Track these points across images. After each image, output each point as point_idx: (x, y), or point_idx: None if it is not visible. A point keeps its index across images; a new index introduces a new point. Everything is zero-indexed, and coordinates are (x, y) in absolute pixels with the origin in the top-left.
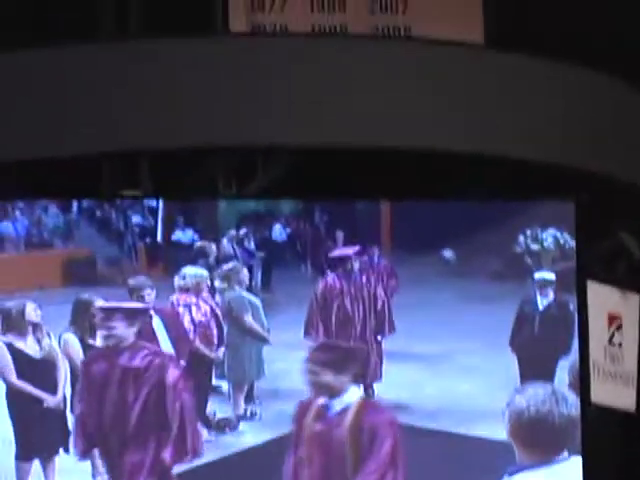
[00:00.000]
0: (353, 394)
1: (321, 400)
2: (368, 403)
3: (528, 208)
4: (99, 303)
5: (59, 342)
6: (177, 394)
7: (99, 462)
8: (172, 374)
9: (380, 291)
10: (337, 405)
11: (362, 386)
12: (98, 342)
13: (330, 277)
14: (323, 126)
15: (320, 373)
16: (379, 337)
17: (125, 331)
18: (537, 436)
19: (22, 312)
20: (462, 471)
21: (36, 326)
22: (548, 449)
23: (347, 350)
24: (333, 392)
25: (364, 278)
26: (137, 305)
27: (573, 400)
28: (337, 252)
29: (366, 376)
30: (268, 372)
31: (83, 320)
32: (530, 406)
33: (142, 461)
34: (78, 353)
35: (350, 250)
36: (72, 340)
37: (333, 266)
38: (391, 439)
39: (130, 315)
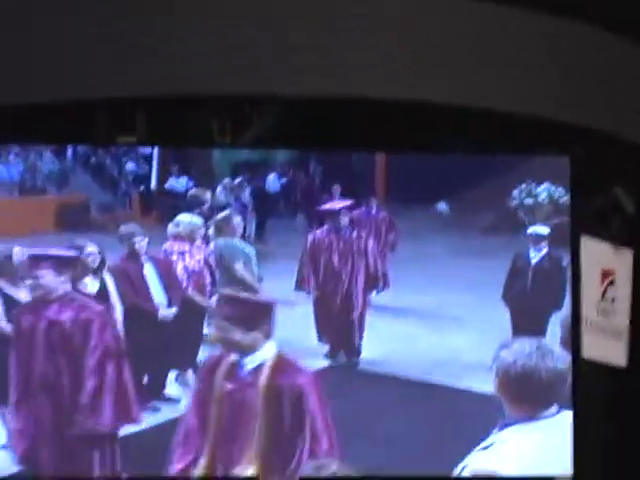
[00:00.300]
0: (268, 351)
1: (233, 357)
2: (284, 361)
3: (523, 162)
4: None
5: None
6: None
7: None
8: (96, 330)
9: (373, 246)
10: (249, 363)
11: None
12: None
13: (319, 231)
14: (319, 77)
15: (228, 329)
16: (374, 292)
17: (53, 281)
18: (524, 390)
19: (10, 257)
20: (453, 424)
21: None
22: (536, 403)
23: (255, 304)
24: (244, 349)
25: (355, 233)
26: (66, 253)
27: (560, 354)
28: (326, 206)
29: (350, 334)
30: None
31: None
32: (516, 361)
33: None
34: None
35: (339, 204)
36: None
37: (323, 220)
38: (315, 397)
39: (60, 264)
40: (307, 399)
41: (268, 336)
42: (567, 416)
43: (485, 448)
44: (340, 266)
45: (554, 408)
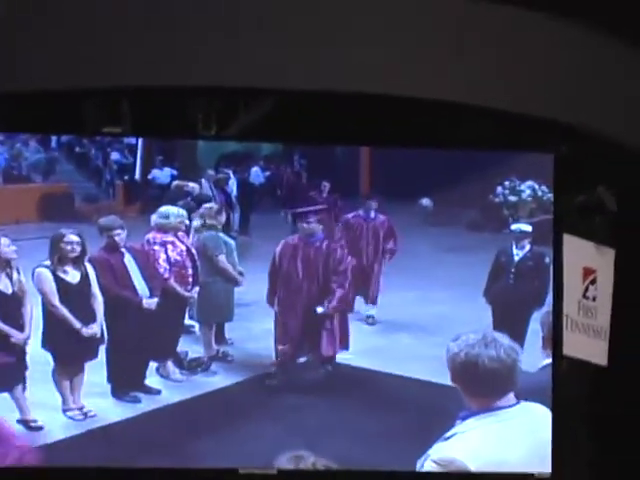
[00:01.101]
0: None
1: None
2: None
3: (507, 159)
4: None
5: (32, 276)
6: None
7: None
8: None
9: (349, 262)
10: None
11: None
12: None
13: (290, 238)
14: (305, 70)
15: None
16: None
17: None
18: (474, 381)
19: None
20: (422, 415)
21: (8, 262)
22: (488, 394)
23: None
24: None
25: (325, 243)
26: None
27: (506, 344)
28: (299, 209)
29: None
30: (240, 314)
31: (55, 254)
32: (461, 351)
33: None
34: (51, 288)
35: (312, 207)
36: (45, 274)
37: (298, 222)
38: None
39: None
40: None
41: None
42: (527, 407)
43: (447, 439)
44: (302, 280)
45: (512, 399)
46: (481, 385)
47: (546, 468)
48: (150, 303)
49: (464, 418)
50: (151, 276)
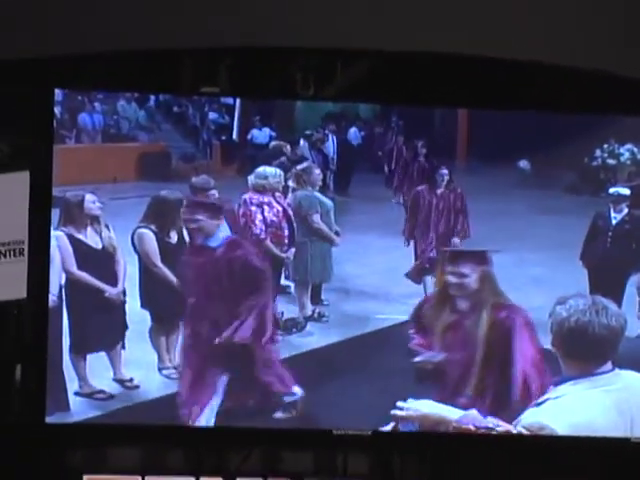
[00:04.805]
0: None
1: None
2: None
3: (606, 122)
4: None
5: (132, 237)
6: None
7: (166, 355)
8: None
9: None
10: None
11: None
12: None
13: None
14: (403, 31)
15: None
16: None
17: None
18: (577, 346)
19: (81, 204)
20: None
21: (94, 218)
22: (589, 360)
23: None
24: None
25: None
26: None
27: (615, 311)
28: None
29: None
30: (337, 274)
31: (161, 216)
32: (570, 316)
33: None
34: (154, 249)
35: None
36: (149, 236)
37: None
38: None
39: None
40: None
41: None
42: (622, 374)
43: (539, 404)
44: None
45: (609, 365)
46: (585, 351)
47: None
48: None
49: (557, 384)
50: (241, 236)
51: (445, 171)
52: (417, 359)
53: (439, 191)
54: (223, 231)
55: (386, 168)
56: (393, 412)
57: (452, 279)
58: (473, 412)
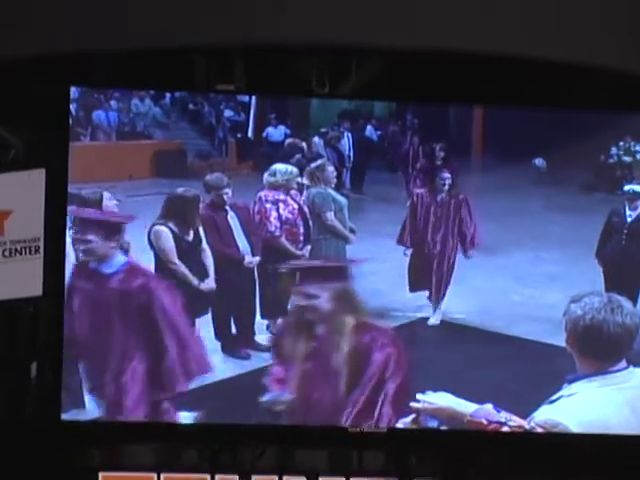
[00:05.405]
0: None
1: None
2: None
3: (622, 120)
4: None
5: (149, 234)
6: None
7: None
8: None
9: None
10: None
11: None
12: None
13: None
14: (419, 29)
15: None
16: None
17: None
18: (592, 344)
19: (99, 202)
20: (529, 375)
21: None
22: (604, 358)
23: None
24: None
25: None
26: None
27: (630, 310)
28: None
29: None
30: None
31: (178, 214)
32: (585, 314)
33: None
34: (171, 246)
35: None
36: (166, 233)
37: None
38: None
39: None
40: None
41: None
42: (636, 372)
43: (552, 402)
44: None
45: (623, 363)
46: (600, 349)
47: None
48: (252, 262)
49: (571, 381)
50: (254, 234)
51: (447, 175)
52: (264, 399)
53: (440, 197)
54: (120, 256)
55: (401, 167)
56: (412, 404)
57: (300, 301)
58: (488, 406)
